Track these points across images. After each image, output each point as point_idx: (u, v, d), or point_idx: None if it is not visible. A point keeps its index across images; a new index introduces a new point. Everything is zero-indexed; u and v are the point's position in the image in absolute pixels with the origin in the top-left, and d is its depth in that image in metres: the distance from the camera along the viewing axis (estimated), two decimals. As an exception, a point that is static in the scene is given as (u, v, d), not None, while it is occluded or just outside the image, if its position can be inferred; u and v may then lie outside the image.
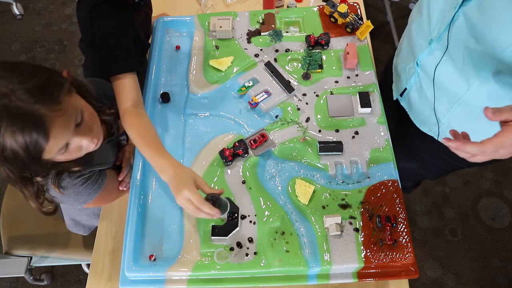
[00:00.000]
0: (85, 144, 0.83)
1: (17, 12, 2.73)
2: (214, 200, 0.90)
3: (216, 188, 1.00)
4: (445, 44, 0.90)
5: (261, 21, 1.28)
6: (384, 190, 0.98)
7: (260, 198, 0.99)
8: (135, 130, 0.98)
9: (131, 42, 1.06)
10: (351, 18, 1.22)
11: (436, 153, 1.16)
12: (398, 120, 1.22)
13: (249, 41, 1.24)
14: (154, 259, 0.94)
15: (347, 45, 1.17)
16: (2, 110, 0.69)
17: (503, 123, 0.70)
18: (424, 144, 1.18)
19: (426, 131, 1.11)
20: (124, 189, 1.07)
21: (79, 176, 0.92)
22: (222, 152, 1.02)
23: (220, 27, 1.23)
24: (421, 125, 1.12)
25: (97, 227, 1.12)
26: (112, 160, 1.06)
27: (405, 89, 1.10)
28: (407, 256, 0.89)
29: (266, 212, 0.97)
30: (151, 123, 1.01)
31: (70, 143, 0.80)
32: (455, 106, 0.96)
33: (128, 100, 1.00)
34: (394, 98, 1.18)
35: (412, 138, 1.21)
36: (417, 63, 1.01)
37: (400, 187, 0.98)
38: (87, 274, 1.06)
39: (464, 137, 0.77)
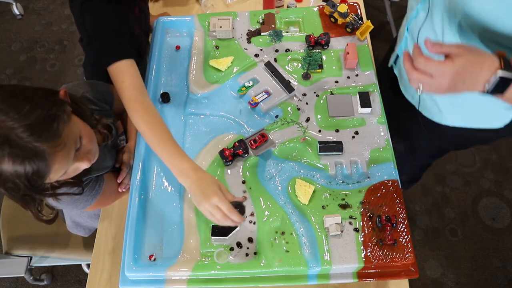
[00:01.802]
0: (83, 167, 0.83)
1: (17, 12, 2.73)
2: (239, 207, 0.90)
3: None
4: (427, 6, 0.92)
5: (261, 21, 1.28)
6: (384, 190, 0.98)
7: (260, 198, 0.99)
8: (146, 124, 0.94)
9: (126, 34, 1.04)
10: (351, 18, 1.22)
11: (420, 130, 1.18)
12: (394, 98, 1.26)
13: (249, 41, 1.24)
14: (154, 259, 0.94)
15: (347, 45, 1.17)
16: (3, 141, 0.69)
17: (446, 57, 0.72)
18: (410, 120, 1.20)
19: (410, 99, 1.14)
20: (124, 190, 1.07)
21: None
22: (222, 152, 1.02)
23: (220, 27, 1.23)
24: (406, 92, 1.15)
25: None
26: (110, 164, 1.05)
27: (398, 56, 1.14)
28: (407, 256, 0.89)
29: (266, 212, 0.97)
30: (160, 116, 0.97)
31: (69, 168, 0.80)
32: None
33: (131, 86, 0.96)
34: (389, 65, 1.22)
35: (402, 115, 1.23)
36: (407, 28, 1.04)
37: (400, 187, 0.98)
38: (87, 274, 1.05)
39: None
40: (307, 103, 1.12)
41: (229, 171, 1.04)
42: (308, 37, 1.19)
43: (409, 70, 0.75)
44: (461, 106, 1.01)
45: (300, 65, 1.19)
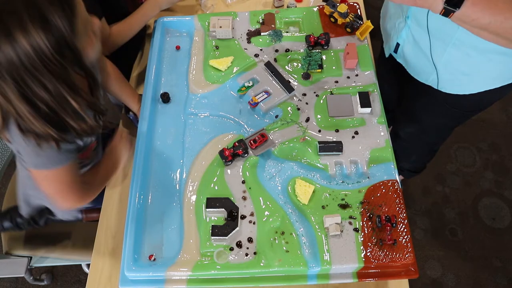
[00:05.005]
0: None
1: (17, 12, 2.73)
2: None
3: (216, 188, 1.01)
4: None
5: (261, 21, 1.28)
6: (384, 190, 0.98)
7: (260, 198, 0.99)
8: None
9: None
10: (351, 18, 1.22)
11: (436, 109, 1.24)
12: (398, 83, 1.32)
13: (249, 41, 1.24)
14: (154, 259, 0.94)
15: (347, 45, 1.17)
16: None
17: None
18: (423, 102, 1.26)
19: (424, 81, 1.16)
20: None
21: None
22: (222, 152, 1.02)
23: (220, 27, 1.24)
24: (419, 75, 1.17)
25: (97, 227, 1.12)
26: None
27: (398, 44, 1.17)
28: (407, 256, 0.89)
29: (266, 212, 0.97)
30: None
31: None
32: (450, 47, 1.01)
33: None
34: (386, 55, 1.26)
35: (413, 98, 1.29)
36: (407, 16, 1.07)
37: (401, 187, 0.98)
38: (87, 274, 1.06)
39: None
40: (307, 103, 1.12)
41: (229, 171, 1.04)
42: (308, 37, 1.19)
43: None
44: (489, 70, 1.05)
45: (300, 65, 1.19)
